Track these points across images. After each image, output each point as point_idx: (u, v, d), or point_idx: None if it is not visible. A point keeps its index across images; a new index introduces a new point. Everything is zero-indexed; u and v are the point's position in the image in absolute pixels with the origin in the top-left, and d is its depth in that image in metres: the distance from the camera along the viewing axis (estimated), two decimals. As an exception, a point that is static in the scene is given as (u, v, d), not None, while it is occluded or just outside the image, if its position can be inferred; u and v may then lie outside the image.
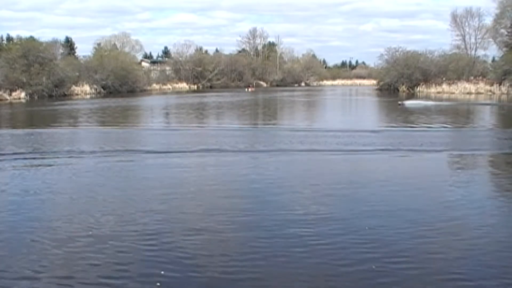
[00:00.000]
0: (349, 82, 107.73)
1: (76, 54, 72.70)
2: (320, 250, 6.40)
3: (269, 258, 6.11)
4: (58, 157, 13.52)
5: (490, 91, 52.92)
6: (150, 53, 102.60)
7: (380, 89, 65.90)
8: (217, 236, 6.87)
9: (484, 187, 10.44)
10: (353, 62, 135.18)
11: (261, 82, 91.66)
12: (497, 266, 5.96)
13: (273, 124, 24.79)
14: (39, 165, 12.46)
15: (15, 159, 13.23)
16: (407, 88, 60.54)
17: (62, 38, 77.17)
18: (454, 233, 7.04)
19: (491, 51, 69.76)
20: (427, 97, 49.25)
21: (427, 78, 60.94)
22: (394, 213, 8.16)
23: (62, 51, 67.59)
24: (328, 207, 8.42)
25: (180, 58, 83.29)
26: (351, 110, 38.74)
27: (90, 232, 7.04)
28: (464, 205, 8.51)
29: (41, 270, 5.76)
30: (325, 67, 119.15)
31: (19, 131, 20.75)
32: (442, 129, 21.19)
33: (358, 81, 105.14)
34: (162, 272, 5.70)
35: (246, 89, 69.66)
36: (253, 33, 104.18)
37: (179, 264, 5.94)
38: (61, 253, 6.27)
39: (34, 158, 13.43)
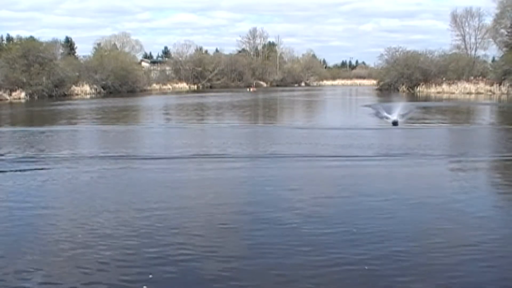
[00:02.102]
0: (349, 82, 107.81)
1: (76, 54, 72.75)
2: (312, 256, 6.39)
3: (261, 264, 6.06)
4: (51, 157, 13.54)
5: (490, 91, 52.91)
6: (150, 53, 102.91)
7: (380, 89, 65.95)
8: (208, 248, 6.64)
9: (489, 194, 10.13)
10: (353, 62, 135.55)
11: (261, 82, 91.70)
12: (493, 275, 5.90)
13: (280, 124, 24.87)
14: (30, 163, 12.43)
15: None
16: (407, 88, 60.63)
17: (62, 38, 77.36)
18: (452, 242, 6.93)
19: (491, 51, 69.92)
20: (427, 97, 49.30)
21: (427, 78, 60.98)
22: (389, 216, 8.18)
23: (62, 51, 67.59)
24: (323, 212, 8.42)
25: (180, 58, 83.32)
26: (351, 109, 38.73)
27: (80, 235, 7.02)
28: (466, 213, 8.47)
29: (30, 276, 5.71)
30: (325, 67, 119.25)
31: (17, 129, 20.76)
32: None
33: (358, 81, 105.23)
34: (151, 276, 5.68)
35: (248, 89, 69.78)
36: (253, 33, 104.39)
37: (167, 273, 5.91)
38: (48, 259, 6.24)
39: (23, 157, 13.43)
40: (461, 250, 6.48)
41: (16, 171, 11.68)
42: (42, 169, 11.87)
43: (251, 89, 70.07)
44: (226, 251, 6.49)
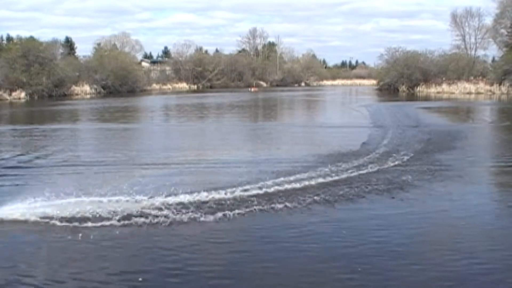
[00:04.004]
0: (349, 82, 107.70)
1: (76, 54, 72.65)
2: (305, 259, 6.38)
3: (252, 269, 6.01)
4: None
5: (490, 91, 52.92)
6: (150, 53, 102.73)
7: (380, 89, 65.96)
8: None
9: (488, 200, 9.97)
10: (353, 62, 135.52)
11: (261, 82, 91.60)
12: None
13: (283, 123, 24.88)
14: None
15: None
16: (407, 88, 60.61)
17: (62, 38, 77.22)
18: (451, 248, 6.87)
19: (491, 51, 69.94)
20: (427, 97, 49.28)
21: (427, 78, 60.97)
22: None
23: (62, 51, 67.48)
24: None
25: (180, 58, 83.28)
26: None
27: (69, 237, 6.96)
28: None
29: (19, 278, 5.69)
30: (325, 67, 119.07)
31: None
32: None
33: (358, 81, 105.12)
34: (140, 279, 5.67)
35: (250, 89, 69.68)
36: (253, 33, 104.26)
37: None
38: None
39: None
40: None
41: None
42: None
43: (252, 89, 70.01)
44: (217, 257, 6.46)
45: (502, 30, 58.67)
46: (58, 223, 7.39)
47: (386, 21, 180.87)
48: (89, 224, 7.37)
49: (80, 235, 6.91)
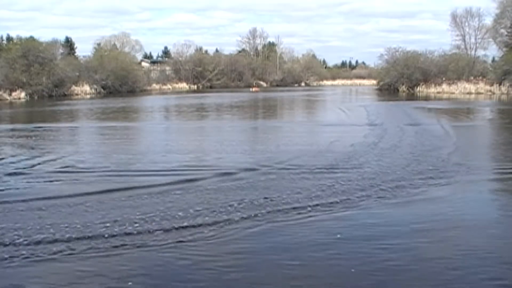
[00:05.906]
0: (349, 82, 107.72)
1: (76, 54, 72.71)
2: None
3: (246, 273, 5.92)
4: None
5: (490, 91, 52.90)
6: (150, 53, 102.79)
7: (380, 89, 65.99)
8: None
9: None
10: (353, 62, 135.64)
11: (261, 82, 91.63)
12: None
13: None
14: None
15: None
16: (407, 88, 60.64)
17: (62, 38, 77.33)
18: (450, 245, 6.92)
19: (491, 51, 69.82)
20: (427, 97, 49.24)
21: (427, 78, 60.97)
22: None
23: (62, 51, 67.52)
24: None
25: (180, 58, 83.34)
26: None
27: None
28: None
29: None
30: (325, 67, 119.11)
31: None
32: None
33: (358, 81, 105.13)
34: (130, 283, 5.58)
35: (251, 89, 69.62)
36: (253, 33, 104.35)
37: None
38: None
39: None
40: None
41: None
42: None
43: (253, 89, 69.98)
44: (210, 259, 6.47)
45: (502, 30, 58.65)
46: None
47: (386, 21, 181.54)
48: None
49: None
